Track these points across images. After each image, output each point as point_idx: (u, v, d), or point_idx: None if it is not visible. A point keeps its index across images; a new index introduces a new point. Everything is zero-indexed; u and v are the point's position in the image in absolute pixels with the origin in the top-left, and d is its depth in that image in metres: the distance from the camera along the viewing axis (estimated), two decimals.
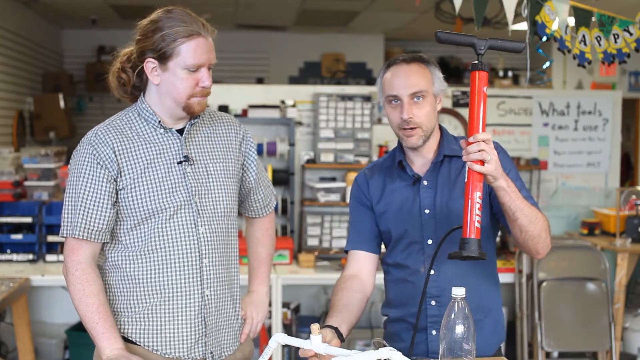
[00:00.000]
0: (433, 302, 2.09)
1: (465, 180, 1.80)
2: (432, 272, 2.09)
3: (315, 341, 1.75)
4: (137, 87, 2.02)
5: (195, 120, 2.02)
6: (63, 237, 1.95)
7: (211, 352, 2.01)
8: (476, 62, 1.80)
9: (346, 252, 2.28)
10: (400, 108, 2.06)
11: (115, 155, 1.92)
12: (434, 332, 2.10)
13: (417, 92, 2.04)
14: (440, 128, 2.19)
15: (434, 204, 2.10)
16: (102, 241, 1.95)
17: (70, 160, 1.99)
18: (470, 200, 1.77)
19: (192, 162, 1.98)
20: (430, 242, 2.10)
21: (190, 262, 1.96)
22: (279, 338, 1.81)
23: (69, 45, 9.05)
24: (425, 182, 2.12)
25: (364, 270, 2.21)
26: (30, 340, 3.90)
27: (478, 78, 1.80)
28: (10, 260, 4.17)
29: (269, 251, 2.30)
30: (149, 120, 1.98)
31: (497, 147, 2.11)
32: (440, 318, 2.08)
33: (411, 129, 2.06)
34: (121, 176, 1.92)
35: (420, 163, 2.15)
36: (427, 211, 2.10)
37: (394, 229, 2.15)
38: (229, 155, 2.07)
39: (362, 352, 1.71)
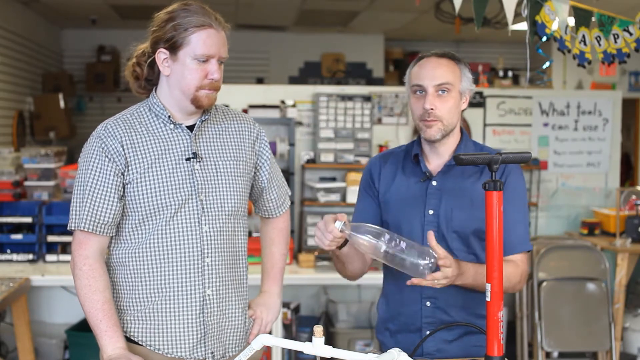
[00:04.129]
0: (428, 303, 2.09)
1: (488, 299, 1.77)
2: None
3: (318, 344, 1.73)
4: (150, 81, 2.02)
5: (207, 116, 2.02)
6: (71, 229, 1.95)
7: (212, 352, 2.00)
8: (491, 180, 1.77)
9: None
10: (424, 98, 2.05)
11: (123, 149, 1.92)
12: (428, 333, 2.09)
13: (442, 84, 2.04)
14: (462, 131, 2.17)
15: (439, 207, 2.08)
16: (109, 235, 1.95)
17: (80, 154, 1.99)
18: (494, 320, 1.76)
19: (200, 159, 1.97)
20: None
21: (192, 261, 1.95)
22: (264, 339, 1.75)
23: (69, 45, 9.05)
24: (434, 183, 2.10)
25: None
26: (30, 340, 3.89)
27: (494, 199, 1.76)
28: (10, 260, 4.16)
29: (283, 251, 2.26)
30: (159, 115, 1.98)
31: (516, 172, 2.09)
32: (435, 319, 2.09)
33: (432, 120, 2.05)
34: (128, 170, 1.92)
35: (435, 162, 2.13)
36: (430, 212, 2.09)
37: (395, 222, 2.13)
38: (240, 154, 2.06)
39: (373, 355, 1.69)
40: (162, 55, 1.92)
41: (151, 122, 1.98)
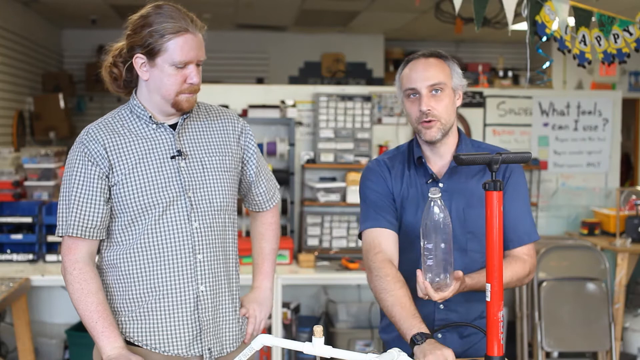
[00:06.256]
0: (441, 306, 2.08)
1: (488, 299, 1.77)
2: None
3: (318, 344, 1.73)
4: (129, 82, 2.02)
5: (189, 114, 2.02)
6: (59, 236, 1.95)
7: (209, 349, 2.00)
8: (491, 180, 1.76)
9: (360, 234, 2.14)
10: (418, 101, 2.04)
11: (106, 152, 1.93)
12: (439, 336, 2.08)
13: (435, 84, 2.03)
14: (459, 130, 2.16)
15: (450, 208, 2.06)
16: (98, 238, 1.95)
17: (67, 161, 1.99)
18: (494, 320, 1.76)
19: (185, 157, 1.98)
20: (442, 245, 2.07)
21: (184, 258, 1.95)
22: (264, 339, 1.76)
23: (69, 45, 9.05)
24: (440, 185, 2.09)
25: (395, 253, 2.09)
26: (30, 340, 3.89)
27: (494, 199, 1.75)
28: (10, 260, 4.16)
29: (273, 246, 2.26)
30: (141, 117, 1.98)
31: (518, 169, 2.08)
32: (448, 321, 2.08)
33: (429, 121, 2.04)
34: (113, 172, 1.92)
35: (438, 164, 2.12)
36: None
37: (410, 223, 2.10)
38: (226, 149, 2.06)
39: (373, 355, 1.69)
40: (139, 60, 1.92)
41: (133, 123, 1.98)
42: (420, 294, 1.87)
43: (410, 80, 2.06)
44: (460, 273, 1.88)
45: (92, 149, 1.93)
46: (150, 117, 1.97)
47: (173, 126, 2.00)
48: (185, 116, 2.01)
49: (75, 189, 1.92)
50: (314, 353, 1.74)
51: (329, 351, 1.73)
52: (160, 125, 1.98)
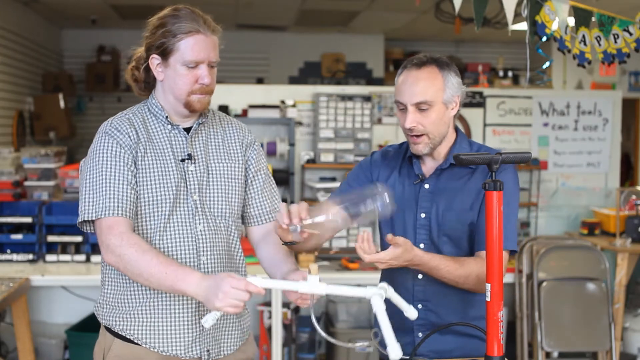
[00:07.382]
0: (420, 306, 2.09)
1: (488, 299, 1.77)
2: (419, 276, 2.08)
3: (313, 281, 1.70)
4: (148, 83, 2.06)
5: (204, 120, 2.05)
6: (89, 220, 1.90)
7: (207, 350, 2.00)
8: (491, 180, 1.76)
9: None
10: (406, 115, 2.03)
11: (132, 142, 1.95)
12: (420, 334, 2.10)
13: (421, 102, 2.00)
14: (457, 131, 2.14)
15: (431, 210, 2.07)
16: (133, 220, 1.92)
17: (89, 153, 1.97)
18: (494, 320, 1.76)
19: (194, 161, 2.00)
20: (422, 246, 2.08)
21: (187, 259, 1.96)
22: (254, 280, 1.70)
23: (69, 45, 9.05)
24: (426, 186, 2.09)
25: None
26: (30, 340, 3.89)
27: (494, 199, 1.75)
28: (10, 260, 4.16)
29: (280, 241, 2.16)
30: (158, 116, 2.02)
31: (507, 171, 2.04)
32: (427, 321, 2.10)
33: (417, 136, 2.03)
34: (135, 165, 1.94)
35: (430, 165, 2.12)
36: (422, 215, 2.08)
37: (389, 223, 2.13)
38: (234, 157, 2.08)
39: (358, 288, 1.73)
40: (155, 60, 1.96)
41: (151, 122, 2.01)
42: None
43: (399, 93, 2.04)
44: (399, 239, 1.87)
45: (119, 138, 1.94)
46: (167, 117, 2.00)
47: (187, 129, 2.03)
48: (200, 121, 2.03)
49: (111, 172, 1.90)
50: (309, 291, 1.70)
51: (325, 288, 1.70)
52: (175, 127, 2.01)
